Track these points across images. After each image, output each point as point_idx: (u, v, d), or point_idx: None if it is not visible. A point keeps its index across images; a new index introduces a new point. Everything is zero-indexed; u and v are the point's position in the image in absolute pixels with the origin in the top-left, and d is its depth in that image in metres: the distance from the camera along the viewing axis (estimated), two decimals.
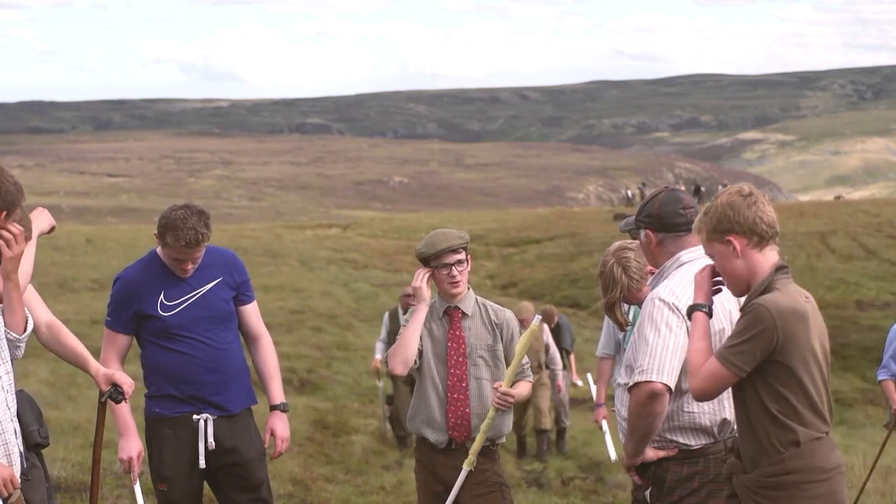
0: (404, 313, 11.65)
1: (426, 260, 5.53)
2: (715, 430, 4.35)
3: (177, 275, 5.42)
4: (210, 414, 5.39)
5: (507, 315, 5.63)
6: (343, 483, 10.35)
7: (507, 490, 5.58)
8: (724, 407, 4.33)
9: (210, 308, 5.43)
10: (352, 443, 12.81)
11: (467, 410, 5.49)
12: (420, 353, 5.56)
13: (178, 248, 5.30)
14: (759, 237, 4.02)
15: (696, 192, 74.10)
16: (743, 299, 4.22)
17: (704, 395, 3.95)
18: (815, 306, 4.08)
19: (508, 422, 5.57)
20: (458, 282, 5.51)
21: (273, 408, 5.60)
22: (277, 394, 5.60)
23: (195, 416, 5.37)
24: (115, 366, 5.33)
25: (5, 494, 3.87)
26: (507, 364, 5.61)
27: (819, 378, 3.98)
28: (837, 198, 73.10)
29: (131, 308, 5.39)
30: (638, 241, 4.74)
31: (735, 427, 4.34)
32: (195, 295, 5.41)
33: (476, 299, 5.62)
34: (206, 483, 5.56)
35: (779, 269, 4.02)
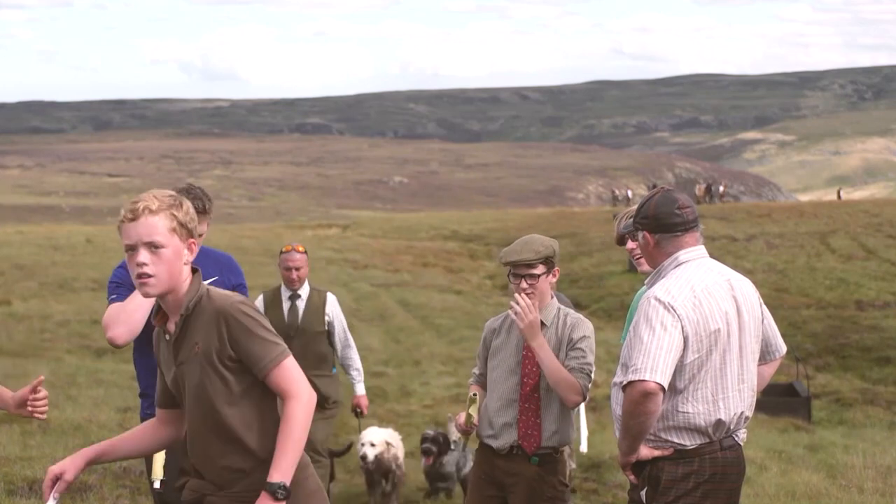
0: (289, 291, 8.73)
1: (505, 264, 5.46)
2: (710, 430, 4.34)
3: None
4: None
5: (576, 323, 5.44)
6: (343, 483, 10.37)
7: None
8: (720, 408, 4.33)
9: None
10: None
11: (538, 421, 5.38)
12: (492, 358, 5.50)
13: None
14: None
15: (708, 190, 74.10)
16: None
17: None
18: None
19: (572, 429, 5.47)
20: (526, 294, 5.40)
21: None
22: None
23: None
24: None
25: None
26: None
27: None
28: (838, 195, 73.04)
29: (132, 289, 5.22)
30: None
31: (730, 428, 4.36)
32: None
33: (559, 309, 5.47)
34: None
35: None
